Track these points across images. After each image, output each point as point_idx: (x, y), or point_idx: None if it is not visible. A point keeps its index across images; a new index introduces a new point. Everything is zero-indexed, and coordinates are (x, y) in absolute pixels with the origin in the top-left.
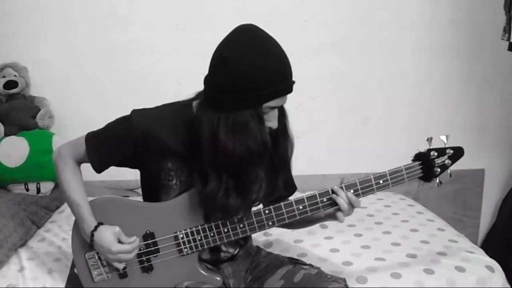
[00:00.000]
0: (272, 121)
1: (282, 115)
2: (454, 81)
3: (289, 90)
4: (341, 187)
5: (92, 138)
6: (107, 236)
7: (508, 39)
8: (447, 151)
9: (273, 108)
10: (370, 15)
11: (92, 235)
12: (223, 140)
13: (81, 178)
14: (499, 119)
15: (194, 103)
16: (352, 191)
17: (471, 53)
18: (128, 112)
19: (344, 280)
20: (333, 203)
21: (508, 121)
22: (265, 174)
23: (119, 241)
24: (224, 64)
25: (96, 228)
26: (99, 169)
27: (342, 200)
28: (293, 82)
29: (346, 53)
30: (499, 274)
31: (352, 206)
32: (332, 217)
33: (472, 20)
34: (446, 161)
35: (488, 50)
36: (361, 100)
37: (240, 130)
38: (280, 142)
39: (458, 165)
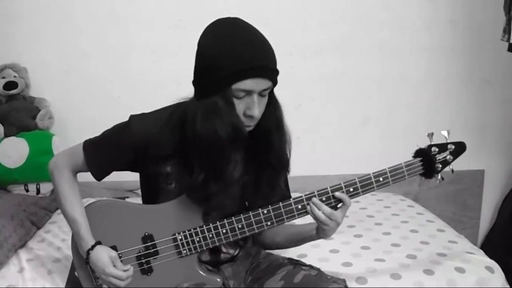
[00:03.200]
0: (251, 109)
1: (275, 108)
2: (454, 81)
3: (260, 73)
4: (340, 186)
5: (91, 147)
6: (103, 257)
7: (508, 39)
8: (449, 146)
9: (248, 92)
10: (370, 15)
11: (88, 253)
12: (198, 128)
13: (77, 191)
14: (499, 120)
15: (188, 103)
16: (351, 189)
17: (471, 53)
18: (127, 112)
19: (344, 281)
20: (333, 202)
21: (508, 121)
22: (263, 174)
23: (115, 266)
24: (198, 51)
25: (93, 247)
26: (99, 177)
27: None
28: (269, 68)
29: (346, 54)
30: (499, 275)
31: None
32: (318, 233)
33: (472, 20)
34: (448, 157)
35: (488, 51)
36: (361, 101)
37: (210, 114)
38: (274, 137)
39: (458, 166)
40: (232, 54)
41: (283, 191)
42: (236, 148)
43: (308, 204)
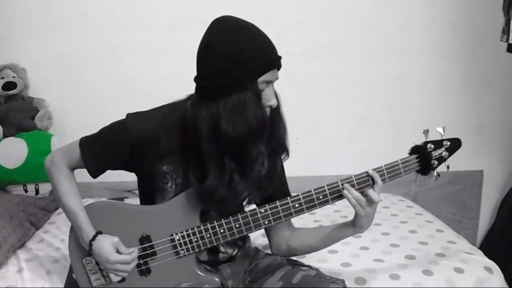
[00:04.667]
0: (271, 99)
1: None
2: (453, 82)
3: (278, 62)
4: (338, 184)
5: (87, 144)
6: (105, 245)
7: (507, 40)
8: (444, 143)
9: (268, 83)
10: (369, 16)
11: (91, 244)
12: (224, 126)
13: (76, 185)
14: (498, 120)
15: (187, 104)
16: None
17: (470, 54)
18: (126, 113)
19: (343, 281)
20: (329, 200)
21: (507, 122)
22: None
23: (118, 252)
24: (211, 51)
25: (94, 237)
26: (95, 174)
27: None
28: (280, 57)
29: (345, 54)
30: (498, 275)
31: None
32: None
33: (471, 21)
34: (444, 153)
35: (487, 51)
36: (360, 101)
37: (239, 110)
38: (275, 124)
39: (457, 166)
40: (257, 46)
41: (280, 174)
42: (264, 139)
43: (343, 189)
